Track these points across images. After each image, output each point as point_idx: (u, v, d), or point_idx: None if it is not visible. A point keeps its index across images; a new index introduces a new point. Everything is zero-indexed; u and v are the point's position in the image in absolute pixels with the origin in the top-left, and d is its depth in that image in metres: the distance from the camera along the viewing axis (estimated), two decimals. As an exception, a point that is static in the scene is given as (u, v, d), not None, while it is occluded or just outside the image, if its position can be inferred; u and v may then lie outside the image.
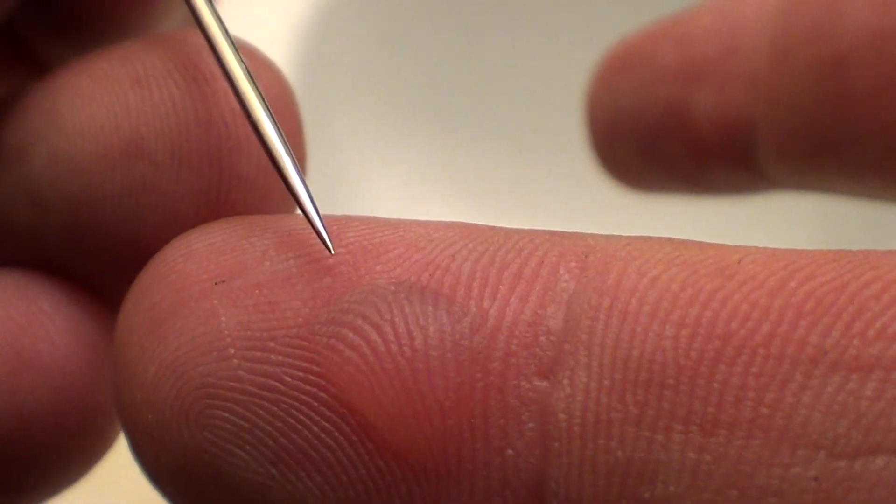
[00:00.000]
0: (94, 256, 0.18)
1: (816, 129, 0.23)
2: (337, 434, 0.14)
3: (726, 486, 0.13)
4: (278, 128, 0.16)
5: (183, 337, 0.15)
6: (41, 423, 0.18)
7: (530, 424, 0.14)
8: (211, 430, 0.14)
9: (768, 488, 0.13)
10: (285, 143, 0.16)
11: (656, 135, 0.26)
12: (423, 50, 0.50)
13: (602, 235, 0.15)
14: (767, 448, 0.13)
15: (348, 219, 0.15)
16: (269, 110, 0.16)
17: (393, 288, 0.14)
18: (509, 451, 0.14)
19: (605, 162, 0.28)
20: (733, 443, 0.13)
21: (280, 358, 0.14)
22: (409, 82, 0.50)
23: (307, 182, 0.15)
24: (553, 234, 0.15)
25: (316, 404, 0.14)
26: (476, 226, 0.15)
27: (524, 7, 0.50)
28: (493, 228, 0.15)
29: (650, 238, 0.15)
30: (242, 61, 0.16)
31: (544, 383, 0.14)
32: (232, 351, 0.14)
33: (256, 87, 0.16)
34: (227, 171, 0.17)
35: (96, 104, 0.17)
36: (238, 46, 0.17)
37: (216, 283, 0.15)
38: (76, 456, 0.19)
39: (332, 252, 0.14)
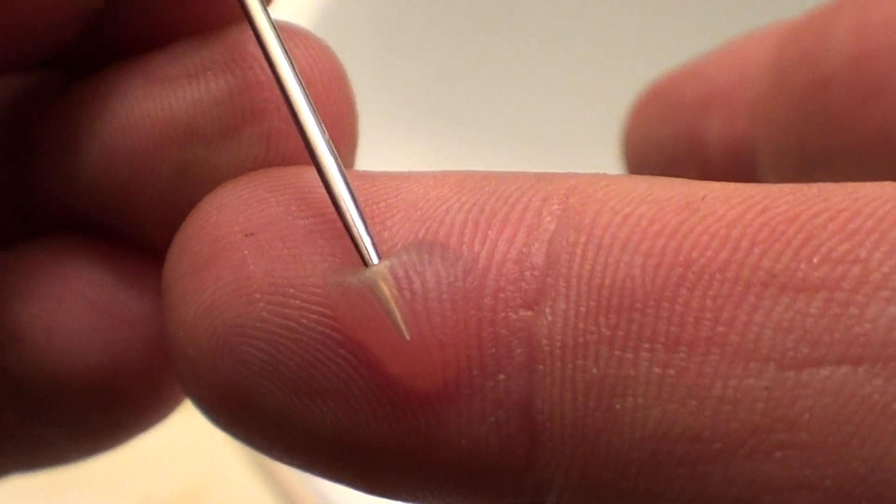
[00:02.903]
0: (147, 224, 0.19)
1: (805, 145, 0.24)
2: (348, 368, 0.15)
3: (688, 397, 0.14)
4: (342, 171, 0.16)
5: (218, 283, 0.16)
6: (134, 371, 0.19)
7: (519, 350, 0.15)
8: (241, 364, 0.15)
9: (724, 398, 0.14)
10: (348, 184, 0.16)
11: (676, 161, 0.27)
12: (425, 50, 0.49)
13: (585, 175, 0.16)
14: (723, 362, 0.14)
15: (357, 179, 0.16)
16: (332, 151, 0.16)
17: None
18: (501, 376, 0.15)
19: None
20: (693, 358, 0.14)
21: (298, 303, 0.15)
22: (411, 83, 0.49)
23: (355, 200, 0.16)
24: (539, 178, 0.16)
25: (329, 343, 0.15)
26: (468, 176, 0.16)
27: (526, 6, 0.50)
28: (485, 177, 0.16)
29: (629, 177, 0.16)
30: (295, 70, 0.17)
31: (529, 313, 0.15)
32: (258, 296, 0.15)
33: (313, 110, 0.16)
34: (275, 149, 0.18)
35: (151, 100, 0.18)
36: (290, 31, 0.18)
37: (246, 235, 0.16)
38: (165, 396, 0.20)
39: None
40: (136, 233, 0.19)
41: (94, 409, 0.19)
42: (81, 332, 0.19)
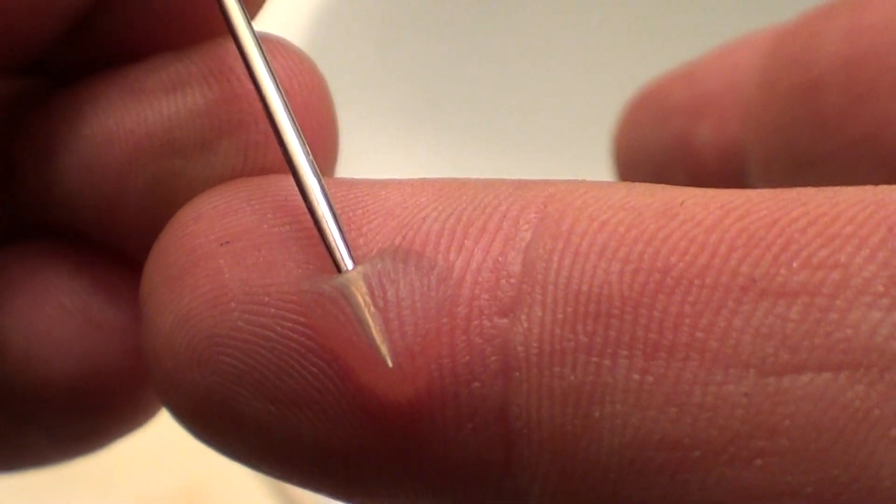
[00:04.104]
0: (125, 234, 0.19)
1: (795, 148, 0.23)
2: (322, 377, 0.15)
3: (667, 404, 0.14)
4: (320, 182, 0.16)
5: (194, 293, 0.16)
6: (113, 378, 0.19)
7: (493, 358, 0.14)
8: (218, 373, 0.15)
9: (704, 404, 0.13)
10: (323, 189, 0.16)
11: (666, 165, 0.27)
12: (425, 50, 0.48)
13: (564, 182, 0.15)
14: (703, 368, 0.13)
15: (335, 187, 0.16)
16: (312, 164, 0.16)
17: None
18: (476, 384, 0.14)
19: None
20: (672, 365, 0.14)
21: (273, 311, 0.15)
22: (411, 83, 0.49)
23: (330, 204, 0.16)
24: (518, 186, 0.16)
25: (304, 351, 0.15)
26: (447, 184, 0.16)
27: (526, 7, 0.49)
28: (463, 185, 0.16)
29: (608, 184, 0.15)
30: (276, 80, 0.16)
31: (504, 321, 0.14)
32: (233, 305, 0.15)
33: (294, 124, 0.16)
34: (252, 161, 0.18)
35: (127, 113, 0.18)
36: (271, 42, 0.17)
37: (221, 245, 0.16)
38: (145, 402, 0.20)
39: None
40: (114, 243, 0.19)
41: (74, 415, 0.19)
42: (60, 340, 0.19)
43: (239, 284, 0.15)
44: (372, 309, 0.15)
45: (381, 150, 0.47)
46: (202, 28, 0.18)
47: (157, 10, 0.18)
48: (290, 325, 0.15)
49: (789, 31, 0.25)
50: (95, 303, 0.19)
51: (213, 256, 0.16)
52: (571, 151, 0.43)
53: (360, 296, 0.15)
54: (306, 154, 0.16)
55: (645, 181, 0.29)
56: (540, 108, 0.48)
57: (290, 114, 0.16)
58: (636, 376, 0.14)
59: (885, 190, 0.14)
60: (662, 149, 0.27)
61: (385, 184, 0.16)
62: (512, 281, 0.15)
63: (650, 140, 0.28)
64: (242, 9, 0.17)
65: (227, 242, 0.16)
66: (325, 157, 0.18)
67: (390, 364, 0.14)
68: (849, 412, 0.13)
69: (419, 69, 0.49)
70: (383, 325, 0.15)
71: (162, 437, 0.23)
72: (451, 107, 0.49)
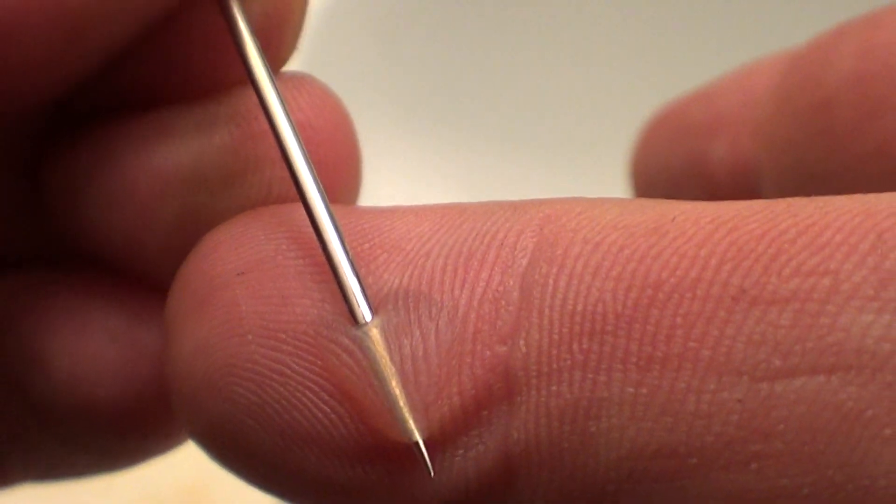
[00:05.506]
0: (153, 264, 0.19)
1: (807, 164, 0.23)
2: (333, 416, 0.15)
3: (662, 414, 0.14)
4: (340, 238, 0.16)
5: (213, 321, 0.16)
6: (155, 400, 0.19)
7: (498, 385, 0.15)
8: (231, 402, 0.16)
9: (698, 412, 0.14)
10: (342, 239, 0.16)
11: (682, 183, 0.27)
12: (425, 52, 0.48)
13: (560, 202, 0.16)
14: (696, 377, 0.14)
15: (342, 216, 0.16)
16: (328, 209, 0.16)
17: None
18: (484, 413, 0.15)
19: None
20: (666, 375, 0.14)
21: (289, 349, 0.16)
22: (412, 84, 0.48)
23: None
24: (515, 208, 0.16)
25: (317, 389, 0.15)
26: (447, 212, 0.16)
27: (527, 7, 0.49)
28: (463, 212, 0.16)
29: (602, 202, 0.16)
30: (294, 126, 0.17)
31: (504, 348, 0.15)
32: (250, 337, 0.16)
33: (311, 170, 0.16)
34: (276, 195, 0.18)
35: (156, 149, 0.18)
36: (296, 78, 0.18)
37: (237, 275, 0.16)
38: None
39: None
40: (141, 273, 0.19)
41: (116, 435, 0.20)
42: (105, 364, 0.19)
43: (255, 317, 0.16)
44: (389, 365, 0.15)
45: (381, 151, 0.47)
46: (226, 76, 0.18)
47: (181, 58, 0.18)
48: (306, 364, 0.15)
49: (803, 51, 0.25)
50: (138, 328, 0.19)
51: (230, 286, 0.16)
52: (573, 151, 0.42)
53: (378, 351, 0.15)
54: (325, 203, 0.16)
55: (660, 198, 0.29)
56: (541, 110, 0.48)
57: (309, 163, 0.17)
58: (631, 389, 0.14)
59: (873, 198, 0.14)
60: (678, 166, 0.28)
61: (390, 213, 0.17)
62: (511, 308, 0.15)
63: (667, 158, 0.28)
64: (262, 57, 0.17)
65: (243, 273, 0.16)
66: (347, 192, 0.19)
67: (420, 442, 0.15)
68: (842, 413, 0.13)
69: (420, 70, 0.49)
70: (401, 381, 0.15)
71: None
72: (453, 108, 0.49)
